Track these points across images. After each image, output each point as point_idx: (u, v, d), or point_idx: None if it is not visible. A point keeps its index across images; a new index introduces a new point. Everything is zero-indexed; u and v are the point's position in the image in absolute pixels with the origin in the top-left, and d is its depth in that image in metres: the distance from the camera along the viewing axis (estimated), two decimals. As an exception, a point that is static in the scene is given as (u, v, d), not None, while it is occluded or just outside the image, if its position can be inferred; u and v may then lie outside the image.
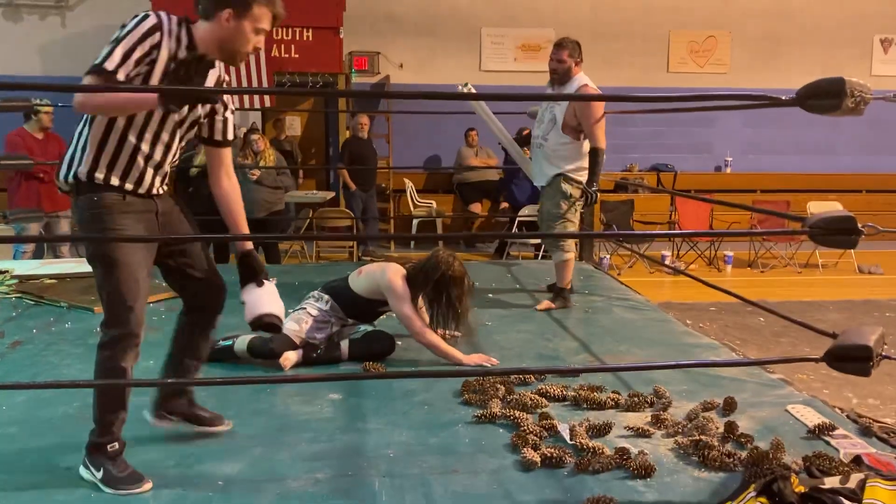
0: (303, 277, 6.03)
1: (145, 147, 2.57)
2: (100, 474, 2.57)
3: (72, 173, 2.55)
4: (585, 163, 4.88)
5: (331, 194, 9.75)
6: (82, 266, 5.78)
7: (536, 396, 3.31)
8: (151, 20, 2.49)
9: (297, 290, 5.59)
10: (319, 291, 3.99)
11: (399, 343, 3.95)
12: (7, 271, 5.56)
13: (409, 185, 10.43)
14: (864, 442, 2.88)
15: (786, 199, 10.24)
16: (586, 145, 4.87)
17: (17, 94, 5.45)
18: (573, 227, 5.09)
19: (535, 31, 10.99)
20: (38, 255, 7.00)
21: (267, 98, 9.81)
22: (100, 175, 2.53)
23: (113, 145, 2.53)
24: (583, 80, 4.87)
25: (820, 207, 9.37)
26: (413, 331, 3.76)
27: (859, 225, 2.45)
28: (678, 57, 11.51)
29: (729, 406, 3.22)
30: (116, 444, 2.62)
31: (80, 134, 2.57)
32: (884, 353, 2.40)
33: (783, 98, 2.45)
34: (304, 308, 3.93)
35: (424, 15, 10.99)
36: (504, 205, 9.88)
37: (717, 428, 2.99)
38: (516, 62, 11.10)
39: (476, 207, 10.27)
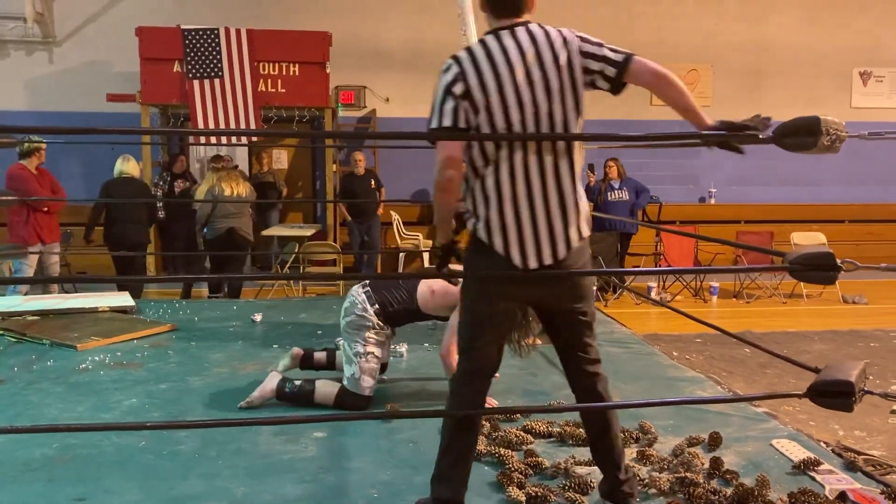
0: (289, 312, 6.02)
1: None
2: None
3: None
4: None
5: (315, 228, 9.75)
6: (66, 302, 5.76)
7: (522, 433, 3.30)
8: None
9: (282, 326, 5.61)
10: (374, 311, 3.83)
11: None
12: (-11, 308, 5.52)
13: (395, 217, 10.45)
14: (849, 477, 2.88)
15: (770, 229, 10.32)
16: None
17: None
18: None
19: (519, 65, 11.11)
20: (34, 289, 6.96)
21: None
22: None
23: None
24: None
25: (804, 238, 9.47)
26: (446, 345, 3.69)
27: (838, 260, 2.46)
28: (661, 90, 11.63)
29: (714, 441, 3.22)
30: None
31: None
32: (866, 388, 2.40)
33: (759, 136, 2.46)
34: (364, 340, 3.81)
35: (410, 49, 11.09)
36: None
37: (703, 464, 2.99)
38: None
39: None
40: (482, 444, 3.16)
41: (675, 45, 11.50)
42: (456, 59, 2.48)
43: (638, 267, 9.18)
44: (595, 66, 2.49)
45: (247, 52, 9.63)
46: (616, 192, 9.06)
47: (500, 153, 2.45)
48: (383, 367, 4.00)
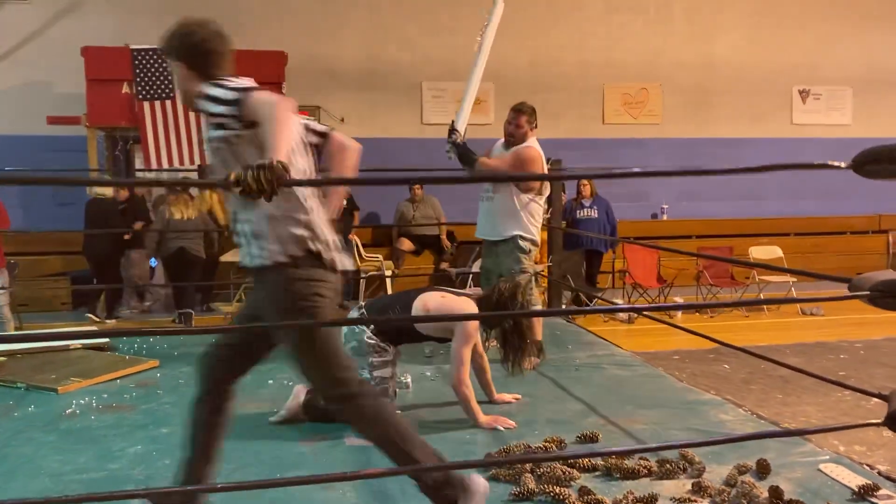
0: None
1: None
2: None
3: None
4: (534, 219, 5.10)
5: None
6: (35, 341, 5.38)
7: (567, 468, 3.20)
8: None
9: (270, 359, 5.36)
10: (372, 331, 3.86)
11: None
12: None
13: (355, 240, 10.25)
14: (909, 501, 2.88)
15: (724, 244, 10.54)
16: (525, 198, 5.05)
17: None
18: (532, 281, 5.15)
19: (474, 84, 11.08)
20: None
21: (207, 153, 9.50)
22: None
23: None
24: (530, 143, 5.04)
25: (762, 252, 9.70)
26: (457, 377, 3.77)
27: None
28: (613, 108, 11.81)
29: (763, 469, 3.18)
30: None
31: None
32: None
33: (838, 164, 2.43)
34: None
35: (365, 69, 10.96)
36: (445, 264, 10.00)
37: (762, 494, 2.94)
38: (458, 115, 11.14)
39: (406, 244, 10.31)
40: (531, 482, 3.05)
41: (625, 65, 11.70)
42: None
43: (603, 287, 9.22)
44: None
45: (200, 72, 9.31)
46: (586, 209, 9.12)
47: None
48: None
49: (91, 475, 3.32)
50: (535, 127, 5.09)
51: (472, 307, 3.85)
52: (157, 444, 3.69)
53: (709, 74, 11.88)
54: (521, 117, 4.95)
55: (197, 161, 9.48)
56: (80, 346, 5.35)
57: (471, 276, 9.38)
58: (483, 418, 3.81)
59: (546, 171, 5.47)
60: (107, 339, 5.55)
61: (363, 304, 4.06)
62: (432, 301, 3.89)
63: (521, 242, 5.03)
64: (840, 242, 11.94)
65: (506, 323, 3.80)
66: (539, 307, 5.16)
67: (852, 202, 12.15)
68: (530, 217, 5.09)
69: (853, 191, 11.96)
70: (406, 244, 10.35)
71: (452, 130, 5.03)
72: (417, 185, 10.25)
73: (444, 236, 10.33)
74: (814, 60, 12.19)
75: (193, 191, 9.04)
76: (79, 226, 8.81)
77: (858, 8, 12.21)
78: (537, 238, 5.15)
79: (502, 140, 5.19)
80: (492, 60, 11.24)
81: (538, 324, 5.08)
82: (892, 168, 2.35)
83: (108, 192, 8.29)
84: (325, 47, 10.75)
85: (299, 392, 3.92)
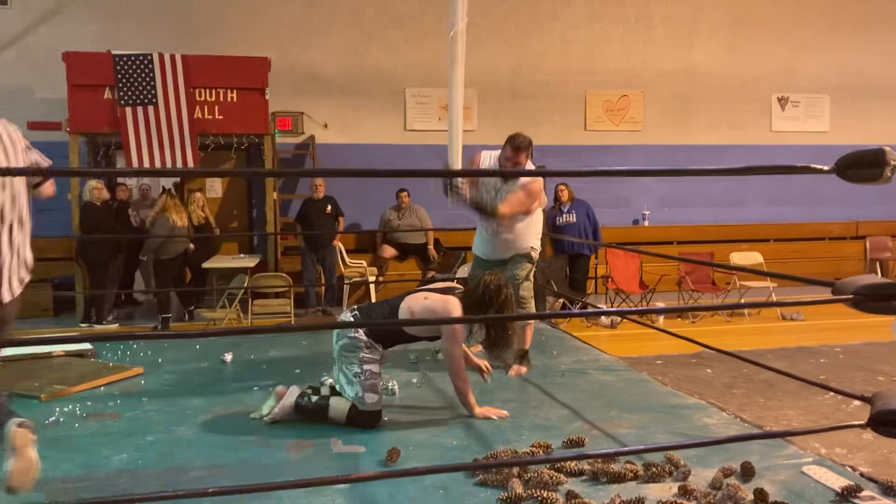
0: (258, 350, 5.75)
1: None
2: None
3: None
4: (537, 228, 5.20)
5: (257, 258, 9.43)
6: (13, 349, 5.34)
7: (554, 472, 3.21)
8: None
9: (256, 366, 5.35)
10: (364, 331, 3.95)
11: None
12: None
13: (338, 246, 10.23)
14: (891, 502, 2.92)
15: (704, 250, 10.63)
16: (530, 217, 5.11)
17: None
18: (530, 288, 5.17)
19: (457, 91, 11.11)
20: None
21: (189, 160, 9.47)
22: None
23: None
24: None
25: (743, 258, 9.79)
26: (453, 372, 3.98)
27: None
28: (594, 115, 11.89)
29: (748, 471, 3.22)
30: None
31: None
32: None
33: (821, 168, 2.47)
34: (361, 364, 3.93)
35: (348, 75, 10.97)
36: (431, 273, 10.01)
37: (747, 496, 2.97)
38: (441, 121, 11.18)
39: (388, 251, 10.31)
40: (519, 487, 3.06)
41: (607, 72, 11.80)
42: None
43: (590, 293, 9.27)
44: None
45: (182, 78, 9.29)
46: (565, 215, 9.17)
47: None
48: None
49: (75, 484, 3.29)
50: (531, 157, 5.09)
51: (455, 305, 3.91)
52: (142, 453, 3.67)
53: (689, 82, 12.01)
54: (520, 155, 4.84)
55: (179, 165, 9.44)
56: (63, 353, 5.30)
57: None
58: (478, 409, 4.02)
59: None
60: (90, 346, 5.51)
61: (356, 307, 4.15)
62: (416, 304, 4.00)
63: (531, 253, 5.15)
64: (819, 248, 12.10)
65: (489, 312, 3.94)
66: (532, 306, 5.20)
67: (830, 208, 12.32)
68: (535, 228, 5.19)
69: (831, 197, 12.13)
70: (388, 251, 10.35)
71: (453, 186, 4.85)
72: (405, 193, 10.26)
73: (431, 245, 10.33)
74: (791, 68, 12.36)
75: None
76: (60, 231, 8.77)
77: (832, 17, 12.40)
78: (539, 244, 5.27)
79: (492, 154, 5.09)
80: (473, 66, 11.33)
81: (529, 330, 5.11)
82: (874, 172, 2.40)
83: (104, 195, 8.59)
84: (309, 53, 10.76)
85: (282, 392, 4.09)
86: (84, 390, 4.64)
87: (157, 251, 8.57)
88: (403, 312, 3.99)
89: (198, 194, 9.63)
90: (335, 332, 4.06)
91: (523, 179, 4.96)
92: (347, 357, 3.93)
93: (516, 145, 4.81)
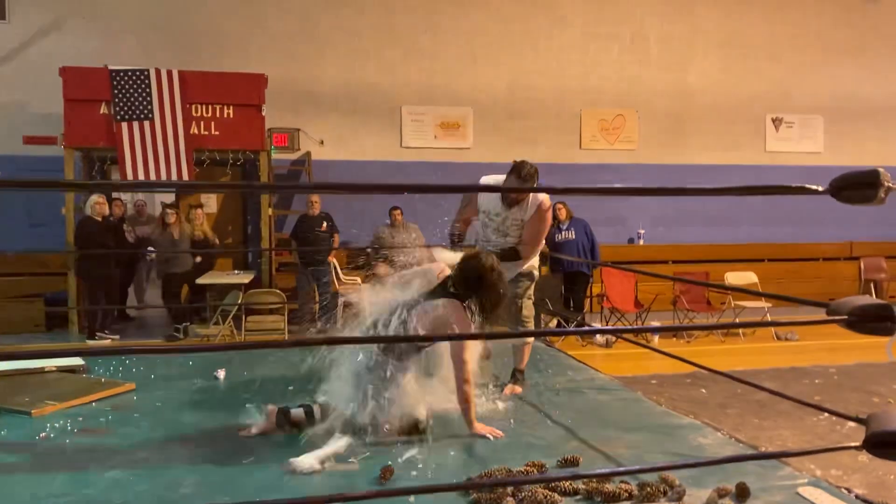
0: (250, 366, 5.72)
1: None
2: None
3: None
4: (538, 249, 5.17)
5: (251, 274, 9.41)
6: (5, 364, 5.30)
7: (549, 492, 3.19)
8: None
9: (249, 383, 5.31)
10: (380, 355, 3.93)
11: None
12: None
13: (333, 262, 10.23)
14: (887, 524, 2.90)
15: (699, 269, 10.65)
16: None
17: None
18: (531, 307, 5.16)
19: (453, 109, 11.17)
20: None
21: (185, 175, 9.48)
22: None
23: None
24: (538, 198, 4.83)
25: (737, 278, 9.80)
26: (460, 377, 3.90)
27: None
28: (590, 134, 11.94)
29: (742, 493, 3.20)
30: None
31: None
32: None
33: (816, 188, 2.47)
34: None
35: (344, 93, 11.01)
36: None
37: (743, 517, 2.96)
38: (436, 139, 11.22)
39: (382, 269, 10.26)
40: (512, 506, 3.04)
41: (602, 91, 11.87)
42: None
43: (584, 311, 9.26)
44: None
45: (178, 93, 9.32)
46: (564, 232, 9.20)
47: None
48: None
49: (66, 500, 3.26)
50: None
51: (458, 309, 3.89)
52: (134, 470, 3.63)
53: (684, 102, 12.08)
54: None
55: (174, 178, 9.45)
56: (54, 368, 5.27)
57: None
58: (477, 426, 3.98)
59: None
60: (82, 362, 5.47)
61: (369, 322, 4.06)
62: (421, 322, 3.96)
63: (533, 272, 5.15)
64: (813, 268, 12.13)
65: (483, 293, 3.97)
66: (532, 325, 5.21)
67: (824, 229, 12.36)
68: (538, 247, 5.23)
69: (825, 218, 12.17)
70: (382, 269, 10.31)
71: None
72: (398, 211, 10.26)
73: None
74: (786, 89, 12.45)
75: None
76: (53, 246, 8.75)
77: (825, 39, 12.52)
78: (538, 261, 5.31)
79: (493, 178, 5.04)
80: (469, 84, 11.39)
81: (527, 349, 5.11)
82: (868, 193, 2.40)
83: (105, 210, 8.73)
84: (306, 70, 10.81)
85: (272, 411, 4.07)
86: (75, 406, 4.60)
87: (166, 264, 8.79)
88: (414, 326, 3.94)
89: (199, 210, 9.63)
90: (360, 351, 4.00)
91: (533, 204, 4.81)
92: (364, 376, 3.93)
93: (522, 177, 4.60)
